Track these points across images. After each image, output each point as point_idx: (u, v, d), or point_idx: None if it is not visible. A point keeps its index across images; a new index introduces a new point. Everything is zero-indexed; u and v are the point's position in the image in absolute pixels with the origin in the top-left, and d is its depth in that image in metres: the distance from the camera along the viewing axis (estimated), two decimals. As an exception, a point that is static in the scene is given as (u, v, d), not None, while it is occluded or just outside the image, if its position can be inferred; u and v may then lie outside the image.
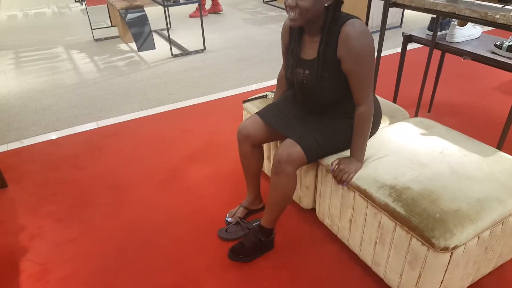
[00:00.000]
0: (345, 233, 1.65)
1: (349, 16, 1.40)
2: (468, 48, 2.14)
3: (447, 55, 2.58)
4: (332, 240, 1.78)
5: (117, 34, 5.10)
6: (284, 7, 1.49)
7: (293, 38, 1.55)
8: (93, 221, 1.95)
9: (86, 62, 4.19)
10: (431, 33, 2.33)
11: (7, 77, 3.82)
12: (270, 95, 2.13)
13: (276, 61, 4.05)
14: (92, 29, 4.94)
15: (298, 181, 1.83)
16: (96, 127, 2.84)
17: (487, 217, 1.28)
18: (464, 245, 1.26)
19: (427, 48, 2.41)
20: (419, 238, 1.27)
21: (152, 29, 4.92)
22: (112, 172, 2.31)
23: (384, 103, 2.02)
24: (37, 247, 1.80)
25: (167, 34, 4.39)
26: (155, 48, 4.50)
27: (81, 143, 2.63)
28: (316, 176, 1.75)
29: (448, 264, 1.26)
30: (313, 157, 1.55)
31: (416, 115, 2.73)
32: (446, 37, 2.27)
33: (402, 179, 1.43)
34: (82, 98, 3.32)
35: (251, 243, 1.67)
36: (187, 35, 5.02)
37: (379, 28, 4.72)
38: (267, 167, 2.13)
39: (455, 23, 2.22)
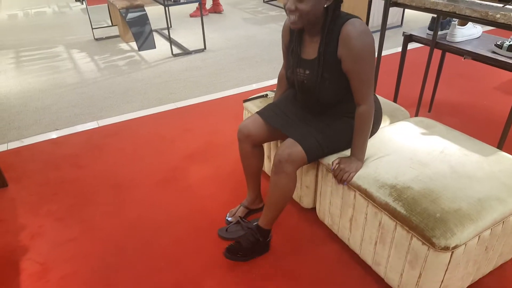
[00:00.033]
0: (345, 233, 1.65)
1: (349, 16, 1.40)
2: (468, 48, 2.14)
3: (447, 54, 2.58)
4: (332, 239, 1.78)
5: (118, 33, 5.10)
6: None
7: (293, 38, 1.55)
8: (93, 220, 1.95)
9: (86, 61, 4.19)
10: (431, 32, 2.33)
11: (8, 76, 3.82)
12: (271, 94, 2.13)
13: (276, 61, 4.05)
14: (92, 29, 4.94)
15: (298, 180, 1.83)
16: (97, 126, 2.84)
17: (488, 217, 1.28)
18: (464, 245, 1.26)
19: (428, 48, 2.40)
20: (419, 238, 1.27)
21: (152, 28, 4.92)
22: (112, 172, 2.31)
23: (385, 102, 2.02)
24: (37, 246, 1.80)
25: (167, 33, 4.39)
26: (155, 48, 4.50)
27: (81, 142, 2.63)
28: (316, 176, 1.75)
29: (448, 263, 1.26)
30: (313, 157, 1.55)
31: (416, 115, 2.73)
32: (447, 37, 2.27)
33: (402, 179, 1.43)
34: (83, 97, 3.32)
35: (248, 243, 1.66)
36: (188, 34, 5.02)
37: (379, 28, 4.71)
38: (267, 166, 2.13)
39: (456, 22, 2.22)
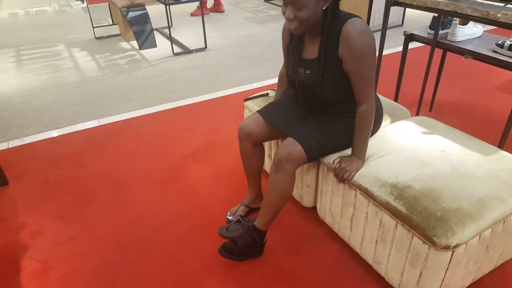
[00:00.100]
0: (346, 232, 1.65)
1: (350, 15, 1.39)
2: (469, 47, 2.13)
3: (448, 54, 2.58)
4: (333, 238, 1.78)
5: (119, 32, 5.10)
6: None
7: (294, 38, 1.54)
8: (94, 219, 1.95)
9: (87, 60, 4.19)
10: (432, 32, 2.33)
11: (9, 75, 3.82)
12: (272, 93, 2.13)
13: (277, 60, 4.05)
14: (93, 27, 4.94)
15: (299, 179, 1.83)
16: (97, 125, 2.84)
17: (489, 216, 1.28)
18: (465, 244, 1.26)
19: (429, 47, 2.40)
20: (420, 237, 1.27)
21: (153, 27, 4.92)
22: (113, 170, 2.31)
23: (386, 101, 2.02)
24: (38, 245, 1.80)
25: (168, 32, 4.39)
26: (156, 47, 4.50)
27: (82, 141, 2.63)
28: (317, 175, 1.75)
29: (449, 262, 1.26)
30: (313, 156, 1.55)
31: (417, 114, 2.73)
32: (448, 36, 2.26)
33: (403, 178, 1.43)
34: (83, 96, 3.32)
35: (244, 242, 1.64)
36: (189, 33, 5.02)
37: (380, 27, 4.71)
38: (268, 165, 2.13)
39: (457, 22, 2.21)
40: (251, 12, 6.08)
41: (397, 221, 1.35)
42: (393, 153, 1.58)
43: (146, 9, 4.47)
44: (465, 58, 2.13)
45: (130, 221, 1.92)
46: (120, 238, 1.83)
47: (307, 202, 1.87)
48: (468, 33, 2.23)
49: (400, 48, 4.06)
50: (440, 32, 2.33)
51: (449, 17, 2.34)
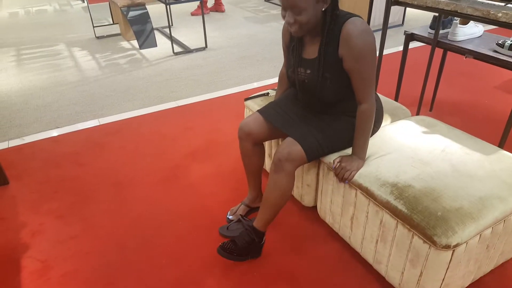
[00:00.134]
0: (346, 231, 1.65)
1: (350, 15, 1.39)
2: (470, 47, 2.13)
3: (449, 53, 2.57)
4: (333, 238, 1.78)
5: (119, 31, 5.10)
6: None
7: (294, 38, 1.54)
8: (94, 218, 1.95)
9: (87, 59, 4.19)
10: (433, 31, 2.32)
11: (9, 74, 3.82)
12: (272, 93, 2.13)
13: (277, 59, 4.05)
14: (93, 27, 4.94)
15: (299, 178, 1.83)
16: (98, 124, 2.84)
17: (489, 215, 1.28)
18: (465, 243, 1.26)
19: (429, 47, 2.40)
20: (420, 236, 1.27)
21: (153, 26, 4.92)
22: (113, 170, 2.31)
23: (386, 101, 2.02)
24: (38, 244, 1.81)
25: (168, 32, 4.39)
26: (156, 46, 4.50)
27: (82, 140, 2.63)
28: (317, 174, 1.75)
29: (449, 262, 1.26)
30: (313, 156, 1.55)
31: (417, 113, 2.73)
32: (448, 36, 2.26)
33: (404, 177, 1.43)
34: (84, 95, 3.32)
35: (244, 242, 1.63)
36: (189, 33, 5.02)
37: (381, 27, 4.71)
38: (268, 165, 2.13)
39: (457, 21, 2.21)
40: (251, 11, 6.08)
41: (397, 221, 1.35)
42: (393, 153, 1.58)
43: (146, 9, 4.47)
44: (466, 57, 2.13)
45: (130, 221, 1.92)
46: (120, 237, 1.83)
47: (307, 201, 1.87)
48: (468, 32, 2.23)
49: (401, 48, 4.06)
50: (441, 31, 2.33)
51: (449, 17, 2.34)
